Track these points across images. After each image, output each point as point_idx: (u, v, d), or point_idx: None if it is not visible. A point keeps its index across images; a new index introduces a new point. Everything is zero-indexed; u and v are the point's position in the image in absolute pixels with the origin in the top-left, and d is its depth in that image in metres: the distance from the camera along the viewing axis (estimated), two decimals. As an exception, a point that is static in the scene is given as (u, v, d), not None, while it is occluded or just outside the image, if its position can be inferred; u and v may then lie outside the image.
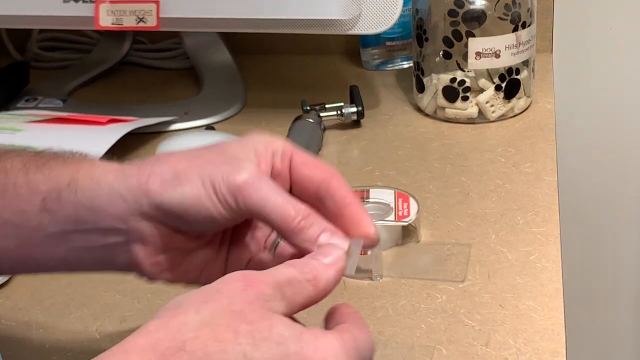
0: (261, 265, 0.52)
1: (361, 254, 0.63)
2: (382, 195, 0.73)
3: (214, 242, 0.53)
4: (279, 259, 0.51)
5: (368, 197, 0.73)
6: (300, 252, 0.48)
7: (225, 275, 0.45)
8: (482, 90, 0.91)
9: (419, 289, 0.64)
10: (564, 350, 0.57)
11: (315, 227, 0.48)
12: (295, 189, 0.51)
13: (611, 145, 1.14)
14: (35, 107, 1.00)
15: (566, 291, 0.65)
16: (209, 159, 0.50)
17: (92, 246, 0.52)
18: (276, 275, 0.44)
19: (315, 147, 0.86)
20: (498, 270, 0.67)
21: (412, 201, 0.71)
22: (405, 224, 0.70)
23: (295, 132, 0.86)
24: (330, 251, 0.47)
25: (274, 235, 0.52)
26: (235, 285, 0.43)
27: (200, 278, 0.52)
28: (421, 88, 0.94)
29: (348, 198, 0.49)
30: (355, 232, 0.49)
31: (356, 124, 0.93)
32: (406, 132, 0.91)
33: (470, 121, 0.91)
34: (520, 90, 0.92)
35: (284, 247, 0.52)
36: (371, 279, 0.66)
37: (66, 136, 0.86)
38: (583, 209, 1.17)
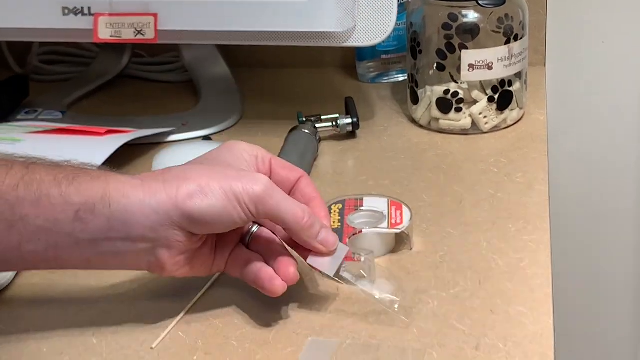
0: (239, 255, 0.64)
1: (354, 260, 0.65)
2: (376, 204, 0.73)
3: (208, 242, 0.63)
4: (253, 247, 0.64)
5: (362, 205, 0.73)
6: (304, 247, 0.62)
7: None
8: (475, 102, 0.92)
9: (411, 295, 0.65)
10: (552, 354, 0.58)
11: (317, 225, 0.61)
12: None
13: (602, 156, 1.15)
14: (35, 119, 1.01)
15: (556, 297, 0.66)
16: (223, 174, 0.59)
17: (120, 252, 0.59)
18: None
19: (310, 157, 0.87)
20: (489, 277, 0.68)
21: (405, 209, 0.72)
22: (398, 231, 0.71)
23: (291, 143, 0.87)
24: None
25: (247, 227, 0.64)
26: None
27: (200, 270, 0.63)
28: (415, 100, 0.95)
29: (313, 194, 0.64)
30: None
31: (351, 135, 0.94)
32: (401, 143, 0.93)
33: (463, 132, 0.93)
34: (512, 102, 0.93)
35: (255, 237, 0.64)
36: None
37: (65, 146, 0.87)
38: (573, 218, 1.18)
